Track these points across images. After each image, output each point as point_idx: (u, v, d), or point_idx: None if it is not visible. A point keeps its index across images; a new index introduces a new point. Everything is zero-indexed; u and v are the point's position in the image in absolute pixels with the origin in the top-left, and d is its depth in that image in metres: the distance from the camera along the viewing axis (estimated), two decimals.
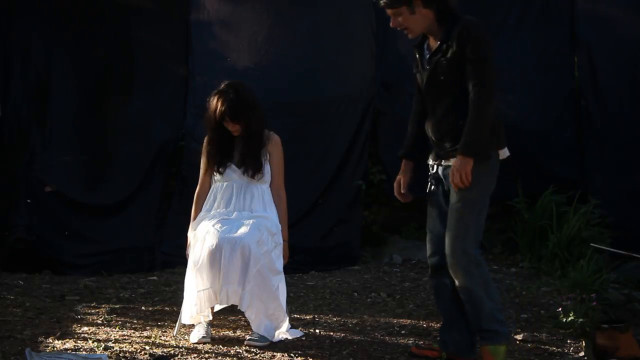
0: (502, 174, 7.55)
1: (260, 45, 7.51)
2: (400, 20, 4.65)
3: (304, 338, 5.20)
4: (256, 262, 4.95)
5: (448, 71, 4.58)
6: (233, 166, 5.24)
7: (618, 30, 7.54)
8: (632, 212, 7.27)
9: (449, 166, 4.64)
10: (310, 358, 4.86)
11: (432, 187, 4.80)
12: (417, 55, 4.78)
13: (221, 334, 5.22)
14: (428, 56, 4.68)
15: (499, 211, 7.48)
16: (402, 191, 4.93)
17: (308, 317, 5.67)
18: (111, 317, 5.53)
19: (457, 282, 4.67)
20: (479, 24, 4.59)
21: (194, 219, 5.28)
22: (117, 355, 4.74)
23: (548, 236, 6.99)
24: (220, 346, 4.97)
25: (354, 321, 5.63)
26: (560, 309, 5.68)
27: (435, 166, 4.77)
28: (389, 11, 4.68)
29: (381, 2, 4.68)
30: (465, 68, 4.52)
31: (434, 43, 4.66)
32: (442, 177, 4.73)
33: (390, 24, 4.71)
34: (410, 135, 4.93)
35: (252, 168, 5.21)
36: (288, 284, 5.39)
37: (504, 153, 4.73)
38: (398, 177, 4.96)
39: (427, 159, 4.84)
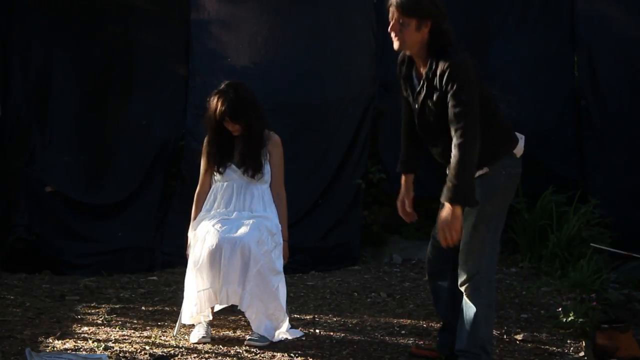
0: None
1: (260, 45, 7.51)
2: (400, 29, 4.42)
3: (304, 338, 5.20)
4: (256, 262, 4.95)
5: (436, 113, 4.43)
6: (233, 166, 5.24)
7: (618, 30, 7.55)
8: (632, 212, 7.28)
9: None
10: (310, 358, 4.86)
11: None
12: (404, 81, 4.62)
13: (221, 334, 5.22)
14: (416, 91, 4.52)
15: None
16: (407, 209, 4.80)
17: (308, 317, 5.67)
18: (111, 317, 5.52)
19: (464, 297, 4.59)
20: (466, 64, 4.38)
21: (194, 218, 5.28)
22: (117, 355, 4.74)
23: (548, 236, 6.99)
24: (220, 346, 4.97)
25: (354, 321, 5.63)
26: (560, 309, 5.68)
27: None
28: (394, 12, 4.44)
29: (395, 1, 4.41)
30: (448, 109, 4.36)
31: (422, 70, 4.50)
32: None
33: (389, 28, 4.46)
34: (404, 148, 4.80)
35: (252, 168, 5.21)
36: (288, 284, 5.39)
37: (520, 148, 4.62)
38: (401, 196, 4.81)
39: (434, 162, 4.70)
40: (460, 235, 4.37)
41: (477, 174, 4.48)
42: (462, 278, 4.57)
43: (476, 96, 4.36)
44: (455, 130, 4.33)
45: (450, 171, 4.35)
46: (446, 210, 4.34)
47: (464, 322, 4.59)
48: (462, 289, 4.59)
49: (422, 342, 5.14)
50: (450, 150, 4.39)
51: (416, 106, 4.54)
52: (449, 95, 4.35)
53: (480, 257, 4.53)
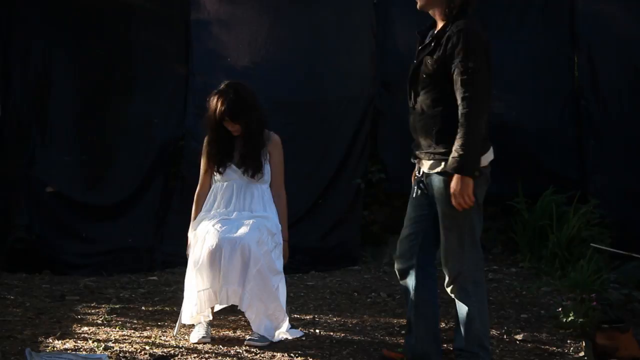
0: (502, 174, 7.62)
1: (260, 45, 7.51)
2: None
3: (304, 338, 5.20)
4: (256, 262, 4.95)
5: (430, 71, 4.43)
6: (233, 166, 5.24)
7: (618, 30, 7.55)
8: (632, 212, 7.28)
9: (432, 174, 4.49)
10: (310, 358, 4.86)
11: (419, 191, 4.64)
12: (419, 36, 4.63)
13: (221, 334, 5.22)
14: (423, 46, 4.53)
15: (499, 211, 7.49)
16: None
17: (308, 317, 5.67)
18: (111, 317, 5.53)
19: (455, 298, 4.59)
20: (476, 32, 4.39)
21: (194, 218, 5.28)
22: (117, 355, 4.74)
23: (548, 236, 6.99)
24: (220, 346, 4.97)
25: (354, 321, 5.63)
26: (560, 309, 5.68)
27: (419, 169, 4.61)
28: None
29: None
30: (454, 77, 4.35)
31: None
32: (426, 184, 4.56)
33: None
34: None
35: (252, 168, 5.21)
36: (288, 284, 5.39)
37: (486, 159, 4.51)
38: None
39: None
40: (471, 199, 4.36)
41: (439, 169, 4.43)
42: (446, 279, 4.57)
43: (484, 66, 4.36)
44: (462, 100, 4.32)
45: (457, 140, 4.32)
46: (456, 179, 4.34)
47: (459, 321, 4.58)
48: (448, 290, 4.58)
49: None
50: (422, 120, 4.45)
51: (415, 61, 4.55)
52: (456, 62, 4.34)
53: (460, 258, 4.49)
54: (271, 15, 7.55)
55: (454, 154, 4.33)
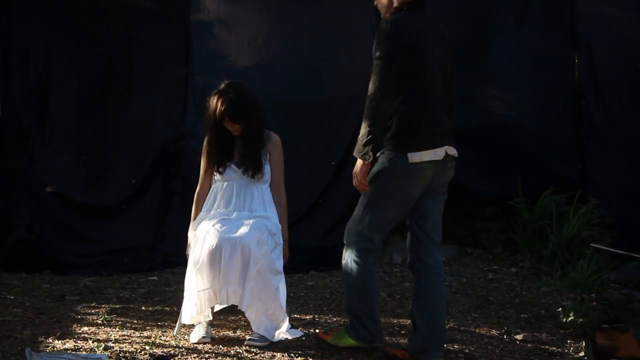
0: (502, 174, 7.62)
1: (260, 45, 7.51)
2: None
3: (304, 338, 5.20)
4: (256, 262, 4.95)
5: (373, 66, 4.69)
6: (233, 166, 5.24)
7: (618, 29, 7.55)
8: (632, 212, 7.28)
9: None
10: (310, 358, 4.86)
11: None
12: None
13: (221, 334, 5.22)
14: None
15: (499, 211, 7.49)
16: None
17: (308, 317, 5.67)
18: (111, 317, 5.53)
19: None
20: (389, 22, 4.62)
21: (194, 218, 5.28)
22: (117, 355, 4.74)
23: (548, 236, 6.99)
24: (220, 346, 4.97)
25: None
26: (560, 309, 5.68)
27: None
28: None
29: None
30: None
31: None
32: None
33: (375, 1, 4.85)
34: None
35: (252, 168, 5.21)
36: (288, 284, 5.39)
37: (418, 157, 4.62)
38: None
39: None
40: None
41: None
42: None
43: (389, 56, 4.60)
44: (369, 85, 4.65)
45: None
46: (359, 161, 4.64)
47: None
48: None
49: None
50: None
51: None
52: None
53: (349, 228, 4.78)
54: (271, 15, 7.55)
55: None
